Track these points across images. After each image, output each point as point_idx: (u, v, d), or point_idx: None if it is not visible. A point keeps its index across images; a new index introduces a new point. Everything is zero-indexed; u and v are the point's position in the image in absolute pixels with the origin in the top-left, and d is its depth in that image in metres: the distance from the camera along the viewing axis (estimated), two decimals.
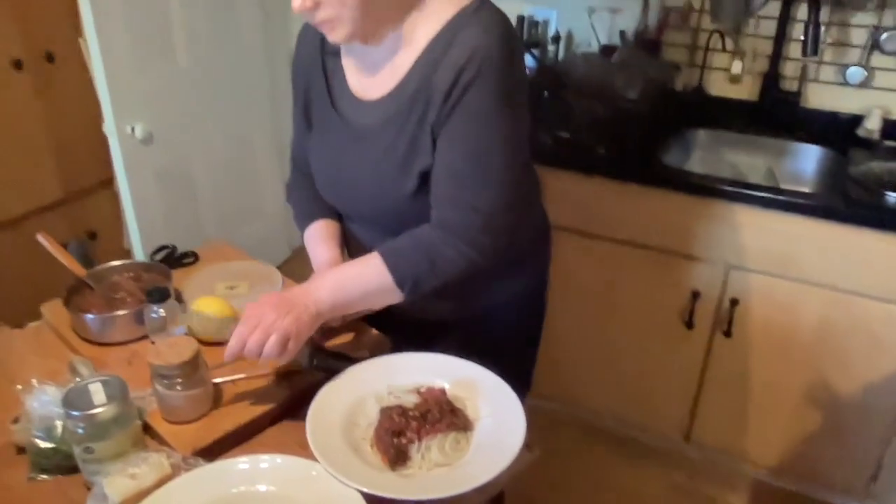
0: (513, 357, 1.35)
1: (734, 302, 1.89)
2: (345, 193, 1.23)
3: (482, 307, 1.30)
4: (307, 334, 1.06)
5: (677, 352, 2.04)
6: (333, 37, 1.06)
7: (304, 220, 1.32)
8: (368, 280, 1.11)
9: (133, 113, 2.27)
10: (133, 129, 2.27)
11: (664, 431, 2.19)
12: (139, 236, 2.41)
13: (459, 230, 1.09)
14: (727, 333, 1.93)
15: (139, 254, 2.42)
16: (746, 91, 2.22)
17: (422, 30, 1.07)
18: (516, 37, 1.11)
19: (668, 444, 2.21)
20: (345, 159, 1.18)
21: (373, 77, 1.14)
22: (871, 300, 1.74)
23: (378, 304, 1.14)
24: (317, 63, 1.21)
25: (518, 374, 1.18)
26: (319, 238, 1.27)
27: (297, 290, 1.09)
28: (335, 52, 1.19)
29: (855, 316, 1.77)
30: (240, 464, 0.95)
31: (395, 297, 1.12)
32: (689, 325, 1.97)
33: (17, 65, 2.20)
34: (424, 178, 1.11)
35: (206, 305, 1.20)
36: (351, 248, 1.32)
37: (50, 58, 2.29)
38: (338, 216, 1.31)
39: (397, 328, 1.25)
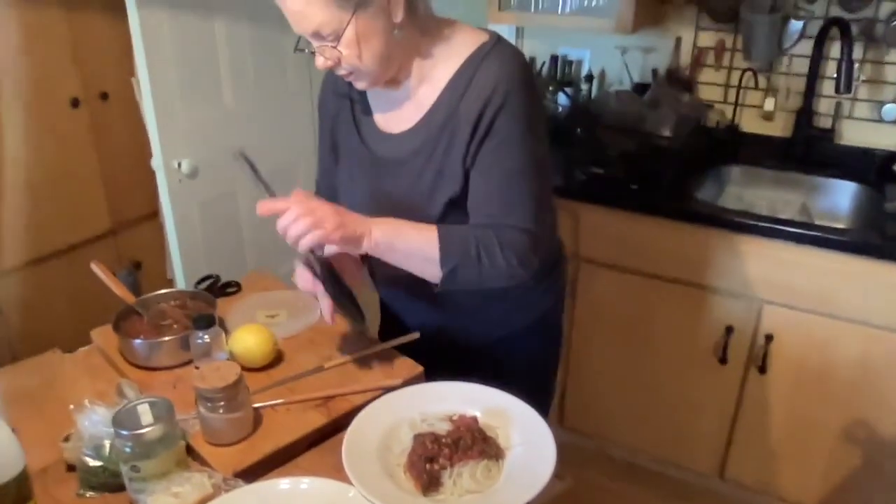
0: (534, 384, 1.37)
1: (769, 338, 1.88)
2: (374, 215, 1.27)
3: (505, 333, 1.37)
4: (342, 248, 1.09)
5: (711, 387, 2.03)
6: (358, 86, 1.18)
7: None
8: (420, 242, 1.14)
9: (180, 148, 2.36)
10: (179, 164, 2.36)
11: (698, 468, 2.16)
12: (181, 266, 2.49)
13: (515, 246, 1.15)
14: (761, 369, 1.92)
15: (181, 283, 2.49)
16: (779, 128, 2.23)
17: (442, 67, 1.17)
18: (531, 68, 1.22)
19: (703, 481, 2.18)
20: (375, 189, 1.25)
21: (397, 112, 1.22)
22: None
23: (416, 269, 1.17)
24: (344, 101, 1.30)
25: (538, 403, 1.22)
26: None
27: (356, 214, 1.12)
28: (360, 91, 1.25)
29: (893, 353, 1.74)
30: (280, 485, 0.98)
31: (433, 271, 1.15)
32: (723, 360, 1.96)
33: (75, 103, 2.32)
34: (451, 205, 1.19)
35: (247, 333, 1.25)
36: (378, 273, 1.40)
37: (104, 96, 2.42)
38: None
39: (422, 356, 1.29)
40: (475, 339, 1.37)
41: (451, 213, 1.19)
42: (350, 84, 1.22)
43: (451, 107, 1.15)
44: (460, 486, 1.00)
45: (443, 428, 1.09)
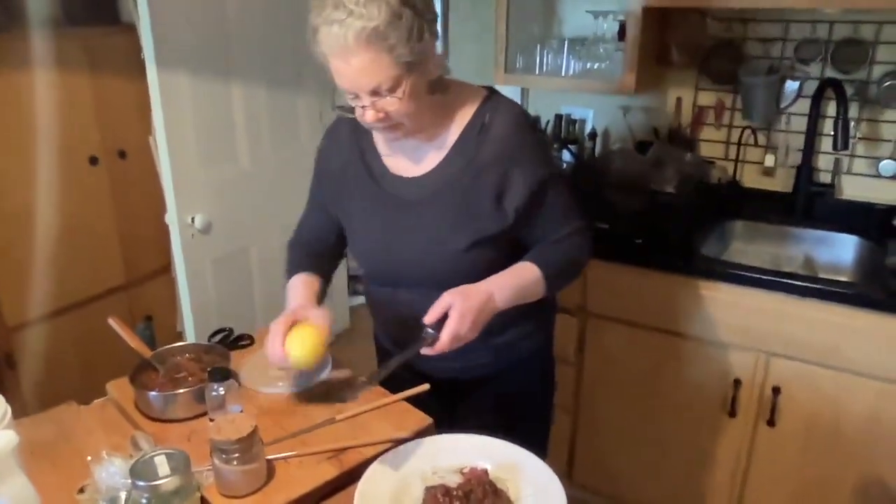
0: (534, 414, 1.56)
1: (776, 390, 1.88)
2: (395, 257, 1.35)
3: (507, 361, 1.46)
4: None
5: (721, 441, 2.02)
6: (392, 137, 1.28)
7: (291, 271, 1.49)
8: (531, 291, 1.32)
9: (194, 205, 2.42)
10: (193, 220, 2.41)
11: None
12: (192, 320, 2.52)
13: (585, 245, 1.39)
14: (770, 422, 1.91)
15: (191, 336, 2.52)
16: (780, 183, 2.28)
17: (455, 116, 1.30)
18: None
19: None
20: (395, 227, 1.34)
21: (413, 157, 1.33)
22: None
23: (531, 298, 1.33)
24: (354, 151, 1.39)
25: (539, 432, 1.51)
26: (296, 286, 1.45)
27: (487, 301, 1.23)
28: (370, 143, 1.39)
29: None
30: None
31: (540, 291, 1.33)
32: (732, 413, 1.96)
33: (94, 161, 2.40)
34: (480, 236, 1.29)
35: (302, 335, 1.25)
36: (386, 313, 1.49)
37: (122, 154, 2.49)
38: (323, 277, 1.49)
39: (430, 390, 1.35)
40: (478, 371, 1.46)
41: (476, 247, 1.29)
42: (358, 135, 1.37)
43: (470, 151, 1.28)
44: None
45: (454, 480, 1.10)
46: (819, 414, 1.86)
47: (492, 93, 1.33)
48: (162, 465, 0.99)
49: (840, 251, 2.10)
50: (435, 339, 1.18)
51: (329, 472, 1.14)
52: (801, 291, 1.79)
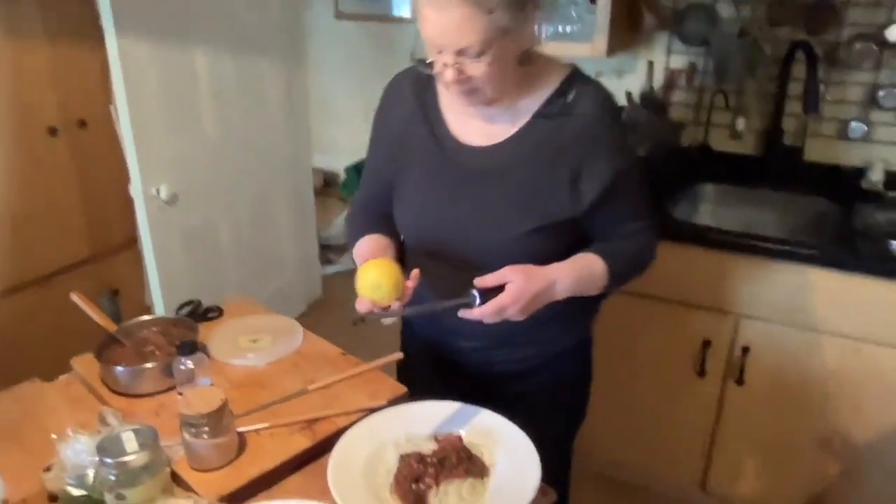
0: (573, 405, 1.48)
1: (745, 350, 1.91)
2: (451, 231, 1.24)
3: (549, 353, 1.37)
4: None
5: (691, 401, 2.06)
6: (469, 102, 1.18)
7: (357, 236, 1.35)
8: (592, 284, 1.22)
9: (159, 175, 2.37)
10: (158, 191, 2.36)
11: (680, 481, 2.18)
12: (161, 293, 2.48)
13: (651, 244, 1.31)
14: (739, 381, 1.95)
15: (160, 309, 2.48)
16: (750, 146, 2.29)
17: (536, 90, 1.19)
18: None
19: (684, 493, 2.20)
20: (456, 200, 1.23)
21: (483, 126, 1.22)
22: (882, 347, 1.76)
23: (588, 293, 1.24)
24: (417, 110, 1.27)
25: (575, 423, 1.44)
26: (367, 247, 1.30)
27: (547, 288, 1.15)
28: (434, 103, 1.27)
29: (867, 363, 1.79)
30: None
31: (600, 287, 1.23)
32: (702, 373, 1.99)
33: (53, 131, 2.32)
34: (546, 221, 1.19)
35: (378, 269, 1.11)
36: (436, 288, 1.29)
37: (82, 124, 2.41)
38: (394, 239, 1.35)
39: (464, 383, 1.30)
40: (522, 362, 1.36)
41: (539, 233, 1.20)
42: (422, 93, 1.27)
43: (549, 129, 1.18)
44: None
45: (428, 448, 1.10)
46: (786, 372, 1.90)
47: (576, 70, 1.22)
48: (129, 441, 0.97)
49: (808, 213, 2.12)
50: (475, 301, 1.10)
51: (302, 442, 1.14)
52: (771, 253, 1.81)
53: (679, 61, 2.33)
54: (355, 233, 1.36)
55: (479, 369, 1.35)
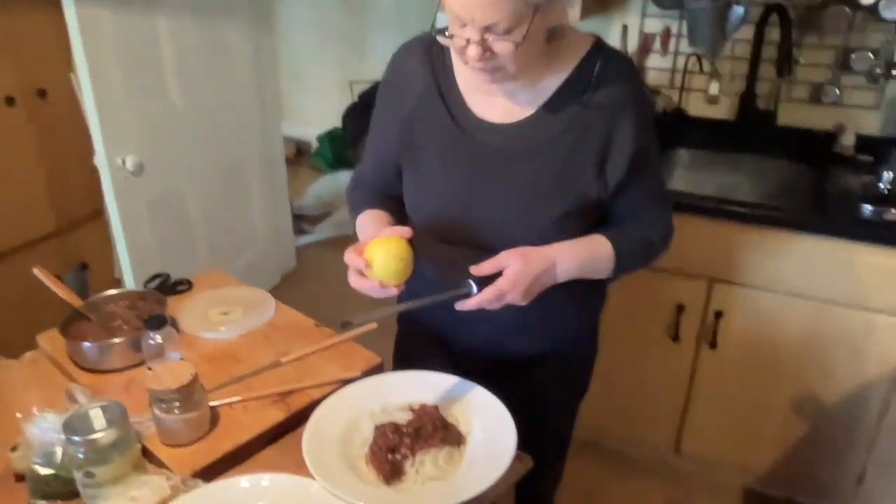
0: (582, 386, 1.45)
1: (718, 314, 1.93)
2: (474, 218, 1.16)
3: (561, 342, 1.31)
4: None
5: (665, 365, 2.08)
6: (490, 80, 1.08)
7: (359, 208, 1.28)
8: (598, 267, 1.16)
9: (124, 145, 2.30)
10: (124, 161, 2.30)
11: (655, 444, 2.21)
12: (130, 266, 2.43)
13: (666, 231, 1.25)
14: (712, 345, 1.97)
15: (130, 283, 2.43)
16: (724, 111, 2.28)
17: (561, 63, 1.11)
18: None
19: (659, 456, 2.23)
20: (479, 183, 1.14)
21: (503, 101, 1.13)
22: (852, 310, 1.78)
23: (593, 277, 1.18)
24: (430, 89, 1.17)
25: (578, 401, 1.40)
26: (369, 221, 1.23)
27: (547, 270, 1.09)
28: (450, 77, 1.17)
29: (837, 326, 1.81)
30: (240, 483, 0.97)
31: (606, 271, 1.17)
32: (676, 337, 2.01)
33: (10, 101, 2.24)
34: (577, 205, 1.12)
35: (385, 243, 1.05)
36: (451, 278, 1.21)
37: (42, 93, 2.33)
38: (396, 216, 1.26)
39: (474, 369, 1.21)
40: (537, 348, 1.29)
41: (568, 218, 1.13)
42: (434, 63, 1.17)
43: (576, 103, 1.10)
44: (423, 473, 1.01)
45: (403, 417, 1.09)
46: (759, 336, 1.92)
47: (600, 41, 1.14)
48: (97, 418, 0.95)
49: (781, 177, 2.13)
50: (472, 290, 1.05)
51: (276, 415, 1.12)
52: (744, 218, 1.82)
53: (654, 25, 2.30)
54: (356, 207, 1.29)
55: (490, 356, 1.27)
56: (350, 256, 1.05)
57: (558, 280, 1.12)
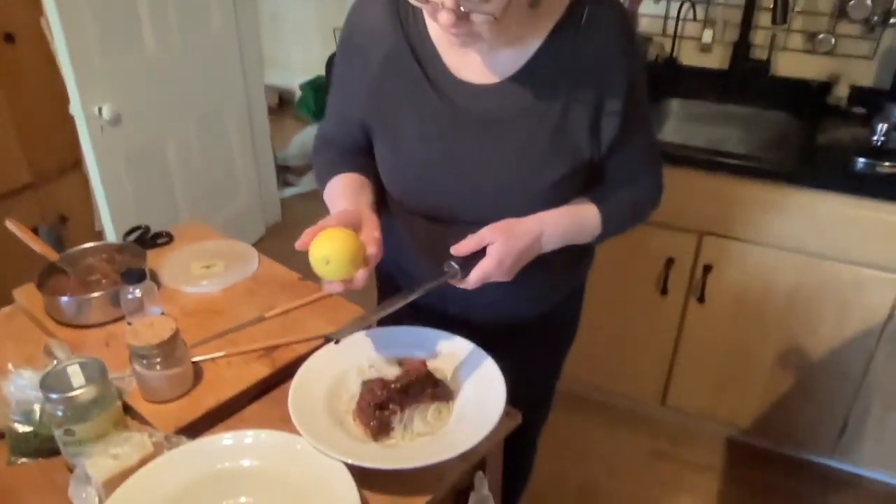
0: (568, 344, 1.43)
1: (707, 268, 1.92)
2: (458, 192, 1.07)
3: (551, 303, 1.27)
4: None
5: (652, 318, 2.08)
6: (462, 44, 0.98)
7: (326, 176, 1.15)
8: (583, 234, 1.11)
9: (100, 94, 2.22)
10: (100, 111, 2.23)
11: (641, 397, 2.23)
12: (111, 218, 2.38)
13: (655, 192, 1.18)
14: (700, 299, 1.97)
15: (111, 236, 2.39)
16: (717, 60, 2.23)
17: (545, 14, 1.01)
18: None
19: (645, 408, 2.26)
20: (465, 153, 1.05)
21: (484, 57, 1.03)
22: (840, 264, 1.78)
23: (577, 243, 1.13)
24: (400, 46, 1.05)
25: (562, 358, 1.37)
26: (340, 191, 1.11)
27: (533, 243, 1.02)
28: (422, 32, 1.06)
29: (825, 279, 1.81)
30: (224, 440, 0.95)
31: (591, 237, 1.13)
32: (664, 291, 2.00)
33: None
34: (561, 180, 1.05)
35: (324, 240, 0.95)
36: (419, 247, 1.17)
37: (10, 38, 2.24)
38: (369, 177, 1.14)
39: (459, 330, 1.16)
40: (530, 310, 1.25)
41: (564, 182, 1.06)
42: (403, 15, 1.05)
43: (565, 56, 1.01)
44: (411, 430, 1.00)
45: (391, 373, 1.07)
46: (747, 290, 1.92)
47: None
48: (76, 375, 0.92)
49: (773, 129, 2.10)
50: (459, 276, 0.98)
51: (260, 371, 1.10)
52: (736, 170, 1.79)
53: None
54: (323, 172, 1.16)
55: (477, 319, 1.20)
56: (306, 232, 0.96)
57: (543, 251, 1.06)
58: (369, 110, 1.10)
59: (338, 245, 0.94)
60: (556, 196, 1.06)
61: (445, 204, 1.09)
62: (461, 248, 0.98)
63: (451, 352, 1.12)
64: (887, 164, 1.71)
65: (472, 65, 1.04)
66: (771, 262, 1.85)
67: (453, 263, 0.98)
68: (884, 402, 1.89)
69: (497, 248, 0.98)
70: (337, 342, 1.03)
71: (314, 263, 0.94)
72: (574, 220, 1.09)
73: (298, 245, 0.95)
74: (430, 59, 1.05)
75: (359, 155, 1.17)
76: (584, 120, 1.03)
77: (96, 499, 0.87)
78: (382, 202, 1.17)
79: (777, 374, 1.99)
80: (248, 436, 0.95)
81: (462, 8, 0.89)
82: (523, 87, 1.03)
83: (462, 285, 0.99)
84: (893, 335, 1.80)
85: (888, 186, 1.66)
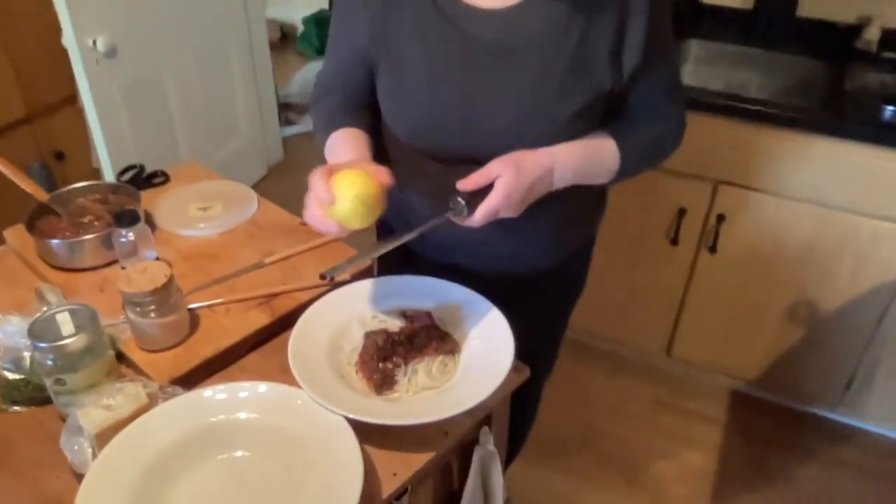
0: (575, 298, 1.39)
1: (721, 218, 1.86)
2: (470, 128, 1.01)
3: (563, 256, 1.23)
4: None
5: (661, 269, 2.03)
6: None
7: (326, 129, 1.08)
8: (600, 170, 1.04)
9: (94, 24, 2.13)
10: (95, 42, 2.13)
11: (646, 347, 2.21)
12: (108, 156, 2.31)
13: (677, 122, 1.11)
14: (712, 249, 1.91)
15: (109, 174, 2.33)
16: None
17: None
18: None
19: (650, 359, 2.24)
20: (476, 85, 0.98)
21: None
22: (860, 216, 1.72)
23: (593, 182, 1.07)
24: None
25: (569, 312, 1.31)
26: (342, 146, 1.03)
27: (543, 177, 0.96)
28: None
29: (843, 232, 1.75)
30: (220, 392, 0.91)
31: (608, 175, 1.06)
32: (675, 241, 1.95)
33: None
34: (579, 114, 0.98)
35: (351, 178, 0.88)
36: (422, 188, 1.09)
37: None
38: (369, 132, 1.08)
39: (467, 283, 1.11)
40: (536, 263, 1.20)
41: (582, 115, 0.99)
42: None
43: None
44: (415, 383, 0.96)
45: (395, 324, 1.04)
46: (761, 241, 1.86)
47: None
48: (65, 323, 0.88)
49: (797, 74, 2.00)
50: (465, 213, 0.92)
51: (260, 319, 1.06)
52: (755, 116, 1.71)
53: None
54: (323, 124, 1.09)
55: (491, 274, 1.15)
56: (317, 182, 0.87)
57: (554, 187, 0.99)
58: (374, 44, 1.02)
59: (366, 189, 0.87)
60: (574, 131, 1.00)
61: (456, 144, 1.02)
62: (468, 182, 0.92)
63: (456, 303, 1.07)
64: None
65: None
66: (787, 213, 1.79)
67: (460, 200, 0.92)
68: (892, 358, 1.86)
69: (505, 181, 0.91)
70: (332, 280, 0.96)
71: (342, 206, 0.86)
72: (590, 155, 1.01)
73: (321, 174, 0.88)
74: None
75: (359, 109, 1.10)
76: (605, 45, 0.96)
77: (89, 451, 0.84)
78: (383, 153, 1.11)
79: (786, 327, 1.96)
80: (244, 388, 0.92)
81: None
82: (538, 11, 0.95)
83: (467, 223, 0.93)
84: None
85: None
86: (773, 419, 2.10)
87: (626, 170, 1.06)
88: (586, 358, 2.27)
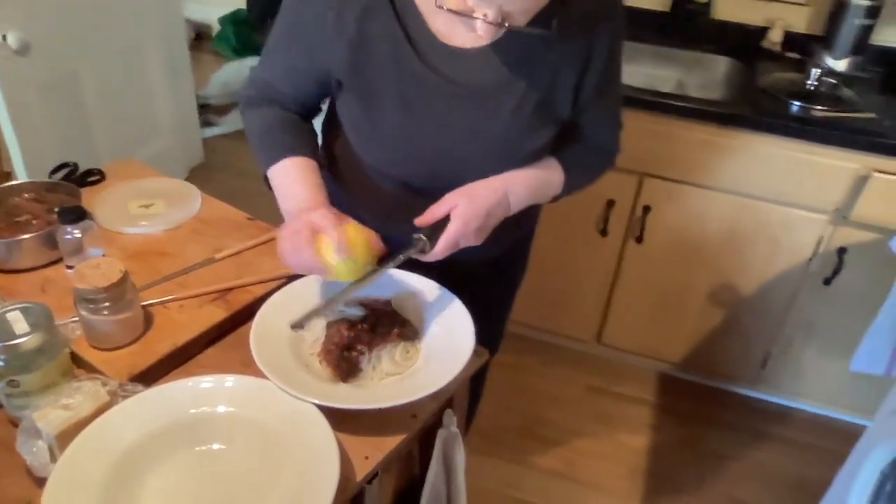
0: (516, 289, 1.43)
1: (646, 209, 1.96)
2: (443, 165, 1.03)
3: (514, 241, 1.29)
4: None
5: (592, 259, 2.12)
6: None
7: (272, 152, 1.05)
8: (547, 194, 1.11)
9: (4, 19, 2.02)
10: (5, 38, 2.02)
11: (579, 335, 2.29)
12: (21, 157, 2.19)
13: (614, 148, 1.18)
14: (639, 240, 2.01)
15: (22, 176, 2.21)
16: (659, 1, 2.24)
17: None
18: None
19: (583, 346, 2.32)
20: (450, 126, 1.00)
21: (474, 20, 0.91)
22: (772, 204, 1.85)
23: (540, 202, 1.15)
24: (379, 7, 0.96)
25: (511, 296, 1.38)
26: (293, 179, 1.02)
27: (498, 204, 1.01)
28: None
29: (758, 220, 1.88)
30: (186, 385, 0.90)
31: (552, 196, 1.14)
32: (604, 232, 2.03)
33: None
34: (556, 130, 1.05)
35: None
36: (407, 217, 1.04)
37: None
38: (316, 156, 1.07)
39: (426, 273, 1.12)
40: (481, 252, 1.14)
41: (539, 153, 1.06)
42: None
43: (554, 13, 0.91)
44: (380, 370, 0.98)
45: (355, 314, 1.04)
46: (684, 230, 1.97)
47: None
48: (18, 321, 0.85)
49: (713, 72, 2.13)
50: (427, 248, 0.95)
51: (216, 314, 1.05)
52: (675, 111, 1.81)
53: None
54: (266, 143, 1.05)
55: (438, 263, 1.06)
56: (333, 232, 0.89)
57: (511, 211, 1.04)
58: (343, 72, 1.00)
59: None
60: (533, 159, 1.06)
61: (423, 172, 1.05)
62: (425, 217, 0.96)
63: (412, 292, 1.10)
64: (819, 108, 1.77)
65: (455, 26, 0.97)
66: (708, 203, 1.91)
67: (420, 235, 0.96)
68: (803, 336, 2.01)
69: (461, 210, 0.95)
70: (302, 328, 0.99)
71: (347, 265, 0.91)
72: (541, 180, 1.08)
73: (332, 223, 0.91)
74: (413, 17, 0.97)
75: (300, 129, 1.09)
76: (571, 81, 1.01)
77: (48, 453, 0.82)
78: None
79: (707, 310, 2.08)
80: (210, 381, 0.91)
81: (506, 23, 0.87)
82: (511, 50, 0.98)
83: (430, 257, 0.97)
84: (816, 272, 1.90)
85: (820, 130, 1.72)
86: (700, 398, 2.22)
87: (567, 192, 1.14)
88: (523, 349, 2.33)
